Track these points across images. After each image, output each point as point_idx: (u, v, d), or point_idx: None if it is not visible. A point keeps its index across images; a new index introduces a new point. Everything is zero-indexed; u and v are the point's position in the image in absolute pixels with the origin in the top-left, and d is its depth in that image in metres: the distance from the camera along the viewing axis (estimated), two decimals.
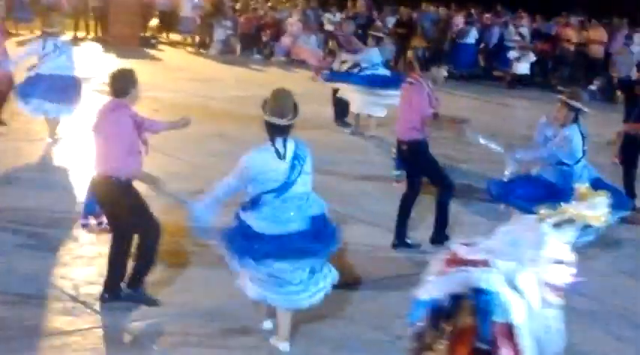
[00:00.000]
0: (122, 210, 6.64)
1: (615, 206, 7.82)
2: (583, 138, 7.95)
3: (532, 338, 4.03)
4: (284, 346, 6.21)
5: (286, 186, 6.00)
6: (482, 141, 8.93)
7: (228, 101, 14.95)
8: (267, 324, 6.42)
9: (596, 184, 7.88)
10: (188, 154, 11.49)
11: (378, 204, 9.98)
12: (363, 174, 11.72)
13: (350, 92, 14.34)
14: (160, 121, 7.33)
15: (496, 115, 17.90)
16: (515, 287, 3.96)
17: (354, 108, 14.54)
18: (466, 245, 4.42)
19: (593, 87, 22.01)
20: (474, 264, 4.14)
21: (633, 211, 9.28)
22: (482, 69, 24.95)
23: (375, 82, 13.96)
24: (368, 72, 14.15)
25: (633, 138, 10.94)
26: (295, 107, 6.16)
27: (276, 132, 6.07)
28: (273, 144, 6.04)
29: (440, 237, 8.61)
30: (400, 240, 8.75)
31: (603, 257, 8.94)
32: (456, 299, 4.11)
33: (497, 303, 3.96)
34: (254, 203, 5.99)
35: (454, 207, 9.11)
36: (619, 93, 21.80)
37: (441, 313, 4.20)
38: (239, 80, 19.20)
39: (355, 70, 14.28)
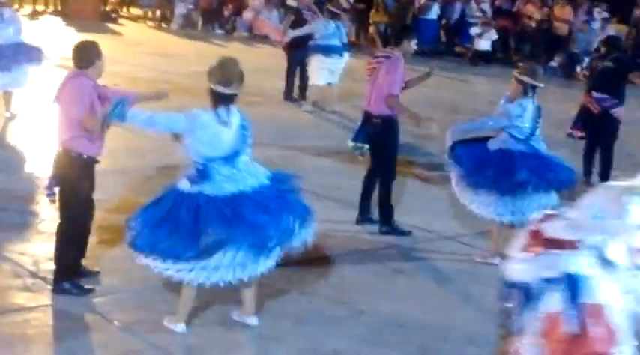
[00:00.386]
0: (81, 186, 6.58)
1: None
2: (536, 113, 7.90)
3: (626, 314, 3.90)
4: (252, 320, 6.21)
5: (236, 154, 5.99)
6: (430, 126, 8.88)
7: (189, 76, 14.84)
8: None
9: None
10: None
11: (339, 179, 9.99)
12: (323, 149, 11.72)
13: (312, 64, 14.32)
14: (130, 91, 7.14)
15: (458, 91, 17.96)
16: (605, 261, 3.87)
17: (316, 80, 14.47)
18: (549, 217, 4.24)
19: (553, 63, 22.17)
20: (561, 245, 4.00)
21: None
22: (444, 45, 24.99)
23: (329, 51, 13.98)
24: (321, 42, 14.15)
25: (587, 111, 11.10)
26: (241, 76, 6.12)
27: (221, 100, 6.03)
28: (216, 112, 5.99)
29: (388, 223, 8.64)
30: (364, 216, 8.77)
31: None
32: (546, 282, 3.97)
33: (587, 286, 3.87)
34: (204, 174, 5.92)
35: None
36: (579, 69, 22.00)
37: (530, 295, 4.02)
38: (200, 55, 19.03)
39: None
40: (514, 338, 4.06)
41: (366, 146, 8.83)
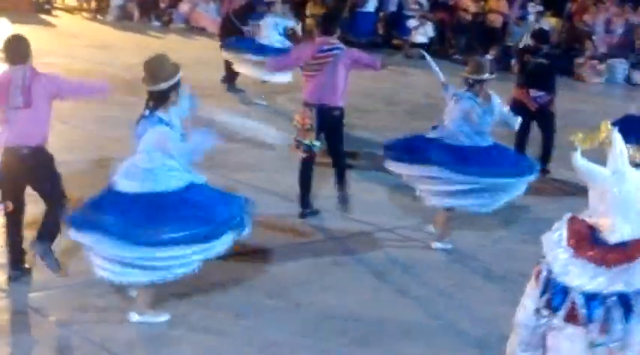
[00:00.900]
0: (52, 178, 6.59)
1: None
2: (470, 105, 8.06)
3: None
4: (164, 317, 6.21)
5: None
6: (428, 58, 9.01)
7: (126, 68, 14.69)
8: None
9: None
10: (85, 122, 11.32)
11: (278, 172, 9.99)
12: (263, 142, 11.68)
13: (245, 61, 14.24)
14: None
15: (395, 84, 18.02)
16: None
17: (250, 72, 14.41)
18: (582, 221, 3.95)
19: (489, 56, 22.37)
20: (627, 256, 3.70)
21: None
22: (382, 37, 25.06)
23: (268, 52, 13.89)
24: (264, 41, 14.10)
25: (520, 104, 11.25)
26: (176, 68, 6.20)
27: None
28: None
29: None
30: (305, 207, 8.81)
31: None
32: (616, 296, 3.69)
33: None
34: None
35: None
36: (514, 62, 22.23)
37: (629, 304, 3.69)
38: (137, 47, 18.90)
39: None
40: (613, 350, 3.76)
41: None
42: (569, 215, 3.99)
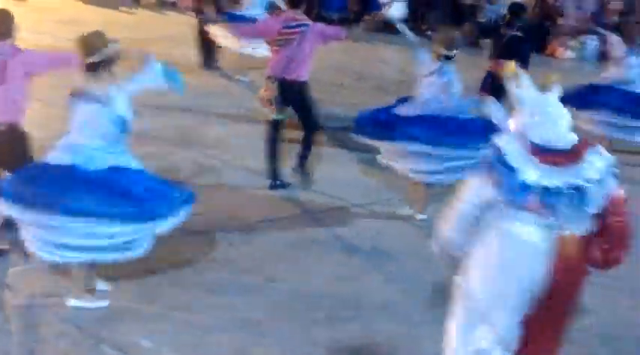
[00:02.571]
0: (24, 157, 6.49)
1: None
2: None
3: None
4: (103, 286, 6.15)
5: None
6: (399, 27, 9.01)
7: None
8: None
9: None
10: (57, 99, 11.19)
11: (250, 146, 9.94)
12: (234, 117, 11.65)
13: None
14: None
15: (367, 60, 17.99)
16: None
17: (234, 45, 14.30)
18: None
19: (460, 32, 22.36)
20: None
21: None
22: (353, 13, 24.99)
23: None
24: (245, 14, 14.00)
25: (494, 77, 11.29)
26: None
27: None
28: None
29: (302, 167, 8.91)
30: (274, 179, 8.82)
31: None
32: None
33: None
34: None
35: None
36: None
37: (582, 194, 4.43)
38: (108, 22, 18.71)
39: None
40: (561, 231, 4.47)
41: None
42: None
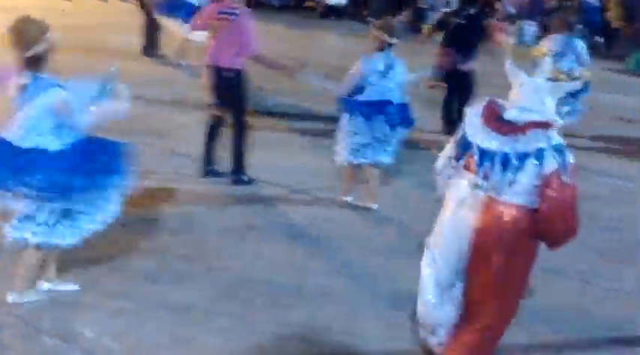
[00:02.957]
0: None
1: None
2: (384, 66, 8.09)
3: None
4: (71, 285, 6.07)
5: None
6: (315, 81, 8.96)
7: None
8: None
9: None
10: None
11: (193, 134, 9.90)
12: (177, 105, 11.61)
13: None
14: None
15: (308, 46, 18.02)
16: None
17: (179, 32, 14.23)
18: (496, 104, 5.00)
19: (401, 18, 22.47)
20: (538, 126, 4.79)
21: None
22: (294, 0, 24.99)
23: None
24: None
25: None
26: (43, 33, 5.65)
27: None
28: None
29: (238, 171, 8.79)
30: (210, 167, 8.81)
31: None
32: (525, 155, 4.77)
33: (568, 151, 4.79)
34: None
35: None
36: (426, 25, 22.40)
37: (508, 163, 4.80)
38: (47, 10, 18.51)
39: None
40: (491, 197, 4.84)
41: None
42: (488, 98, 5.03)
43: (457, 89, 11.57)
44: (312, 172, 9.11)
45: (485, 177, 4.83)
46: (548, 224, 4.75)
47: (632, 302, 6.89)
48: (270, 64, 8.76)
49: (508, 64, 5.25)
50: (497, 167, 4.79)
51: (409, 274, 6.89)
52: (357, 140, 8.05)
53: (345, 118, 8.12)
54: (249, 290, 6.38)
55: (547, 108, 4.89)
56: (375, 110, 7.99)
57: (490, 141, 4.84)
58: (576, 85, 5.70)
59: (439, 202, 5.19)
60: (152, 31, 14.70)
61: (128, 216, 6.26)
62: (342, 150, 8.17)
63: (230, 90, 8.67)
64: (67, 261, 6.18)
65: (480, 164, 4.85)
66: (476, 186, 4.88)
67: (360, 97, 8.03)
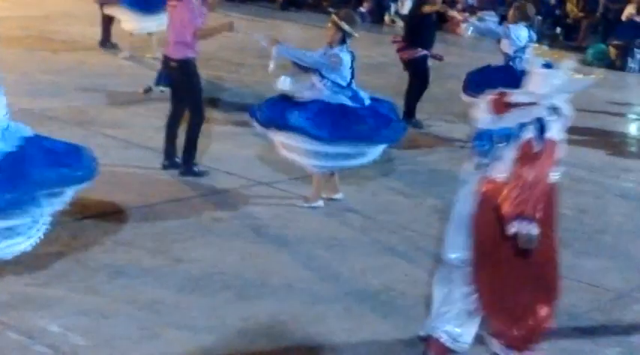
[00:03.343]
0: None
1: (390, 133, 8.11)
2: (352, 60, 8.05)
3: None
4: None
5: None
6: (255, 36, 8.77)
7: None
8: None
9: (373, 105, 8.11)
10: None
11: (151, 126, 9.88)
12: (135, 97, 11.55)
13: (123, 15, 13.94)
14: None
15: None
16: (556, 110, 4.99)
17: (129, 27, 14.14)
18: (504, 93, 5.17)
19: (362, 9, 22.51)
20: (527, 104, 4.99)
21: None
22: None
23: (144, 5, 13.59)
24: None
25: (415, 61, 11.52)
26: None
27: None
28: None
29: (188, 165, 8.68)
30: (170, 160, 8.75)
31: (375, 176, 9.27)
32: (522, 125, 4.96)
33: (548, 126, 4.95)
34: None
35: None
36: (387, 16, 22.47)
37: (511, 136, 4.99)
38: (4, 0, 18.37)
39: None
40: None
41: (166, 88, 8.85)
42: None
43: (415, 78, 11.68)
44: (274, 164, 9.10)
45: (482, 156, 5.08)
46: (507, 197, 4.83)
47: (591, 292, 6.97)
48: (210, 31, 8.68)
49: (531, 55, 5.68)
50: (488, 145, 5.05)
51: (374, 268, 6.97)
52: None
53: None
54: (215, 282, 6.39)
55: (547, 92, 5.01)
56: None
57: (486, 122, 5.10)
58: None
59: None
60: (107, 22, 14.61)
61: (90, 210, 6.24)
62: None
63: (178, 81, 8.63)
64: (31, 255, 6.13)
65: (477, 144, 5.11)
66: (477, 166, 5.13)
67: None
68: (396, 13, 22.16)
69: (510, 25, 10.65)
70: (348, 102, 7.90)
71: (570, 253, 7.70)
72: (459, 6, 20.99)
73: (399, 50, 11.83)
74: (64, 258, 6.42)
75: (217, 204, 8.05)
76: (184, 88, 8.64)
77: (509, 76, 9.66)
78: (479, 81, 10.33)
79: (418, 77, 11.69)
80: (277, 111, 7.90)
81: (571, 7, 22.39)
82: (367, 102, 8.05)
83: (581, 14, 22.28)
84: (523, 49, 10.38)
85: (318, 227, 7.75)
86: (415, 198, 8.80)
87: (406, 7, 21.99)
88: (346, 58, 7.92)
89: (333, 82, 7.89)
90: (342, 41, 8.00)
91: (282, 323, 5.93)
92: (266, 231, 7.54)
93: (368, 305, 6.29)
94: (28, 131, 5.27)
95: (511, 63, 10.47)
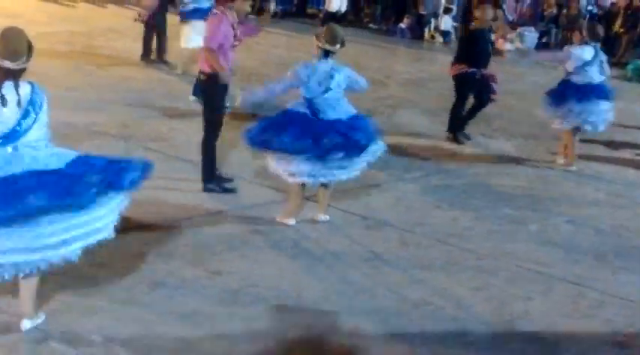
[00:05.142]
0: None
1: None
2: (330, 73, 7.93)
3: None
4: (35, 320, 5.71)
5: (16, 134, 5.37)
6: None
7: (38, 38, 14.46)
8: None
9: (353, 121, 7.91)
10: None
11: (191, 139, 9.98)
12: (176, 111, 11.69)
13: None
14: None
15: (309, 53, 18.07)
16: None
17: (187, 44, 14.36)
18: None
19: (402, 25, 22.58)
20: None
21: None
22: (297, 6, 25.09)
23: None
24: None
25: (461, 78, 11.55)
26: (30, 48, 5.46)
27: (8, 76, 5.40)
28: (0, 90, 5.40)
29: (208, 177, 8.65)
30: (209, 178, 8.70)
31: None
32: None
33: None
34: None
35: None
36: (427, 32, 22.49)
37: None
38: (50, 16, 18.63)
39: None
40: None
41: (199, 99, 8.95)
42: None
43: (456, 94, 11.71)
44: None
45: None
46: None
47: (628, 308, 6.96)
48: (211, 63, 8.35)
49: None
50: None
51: (412, 282, 7.01)
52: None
53: None
54: (252, 294, 6.45)
55: None
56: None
57: None
58: None
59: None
60: (150, 37, 14.81)
61: (131, 222, 6.33)
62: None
63: (202, 94, 8.70)
64: (75, 267, 6.25)
65: None
66: None
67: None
68: (436, 28, 22.18)
69: (573, 50, 10.72)
70: (308, 114, 7.86)
71: (608, 268, 7.71)
72: (499, 21, 20.99)
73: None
74: (105, 268, 6.52)
75: (255, 216, 8.12)
76: (205, 101, 8.68)
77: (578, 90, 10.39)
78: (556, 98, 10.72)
79: (458, 93, 11.71)
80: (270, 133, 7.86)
81: (613, 23, 22.29)
82: (330, 117, 7.85)
83: (621, 30, 22.18)
84: (585, 65, 10.52)
85: (355, 240, 7.80)
86: (453, 212, 8.82)
87: (444, 23, 22.09)
88: (305, 71, 7.91)
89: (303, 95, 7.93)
90: (325, 56, 8.00)
91: (318, 336, 5.98)
92: (303, 244, 7.60)
93: (404, 319, 6.32)
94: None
95: (570, 77, 10.63)
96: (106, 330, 5.69)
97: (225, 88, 8.56)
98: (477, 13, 12.10)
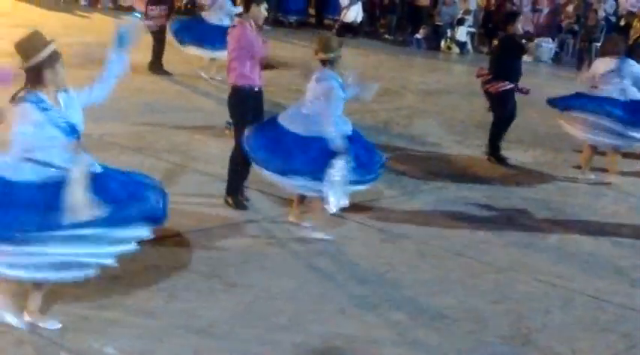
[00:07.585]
0: None
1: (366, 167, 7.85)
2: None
3: None
4: (53, 323, 5.80)
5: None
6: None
7: None
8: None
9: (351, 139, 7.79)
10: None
11: (208, 151, 9.97)
12: (195, 123, 11.68)
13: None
14: None
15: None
16: None
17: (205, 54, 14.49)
18: None
19: (418, 35, 22.54)
20: None
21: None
22: (313, 16, 25.09)
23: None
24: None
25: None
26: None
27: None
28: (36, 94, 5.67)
29: (233, 189, 8.58)
30: (235, 195, 8.63)
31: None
32: None
33: None
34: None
35: None
36: (444, 42, 22.45)
37: None
38: (65, 26, 18.67)
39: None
40: None
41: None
42: None
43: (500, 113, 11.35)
44: None
45: None
46: None
47: None
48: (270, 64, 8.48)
49: None
50: None
51: (428, 295, 6.96)
52: None
53: None
54: (269, 306, 6.42)
55: None
56: None
57: None
58: None
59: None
60: (159, 47, 14.89)
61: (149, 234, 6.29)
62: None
63: (229, 107, 8.59)
64: (89, 279, 6.23)
65: None
66: None
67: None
68: (452, 39, 22.12)
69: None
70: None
71: (627, 281, 7.63)
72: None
73: (485, 83, 11.38)
74: (120, 281, 6.48)
75: (272, 228, 8.09)
76: (231, 114, 8.63)
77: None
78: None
79: (501, 112, 11.31)
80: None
81: (634, 30, 22.15)
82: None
83: None
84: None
85: (372, 252, 7.75)
86: (470, 224, 8.76)
87: (460, 34, 22.03)
88: (337, 84, 7.78)
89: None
90: (329, 65, 7.88)
91: (335, 349, 5.94)
92: (320, 256, 7.55)
93: (422, 331, 6.27)
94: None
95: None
96: (120, 343, 5.66)
97: (255, 100, 8.47)
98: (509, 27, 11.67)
